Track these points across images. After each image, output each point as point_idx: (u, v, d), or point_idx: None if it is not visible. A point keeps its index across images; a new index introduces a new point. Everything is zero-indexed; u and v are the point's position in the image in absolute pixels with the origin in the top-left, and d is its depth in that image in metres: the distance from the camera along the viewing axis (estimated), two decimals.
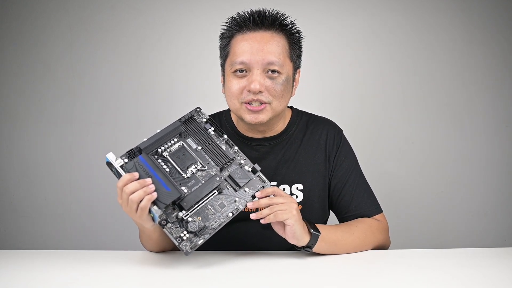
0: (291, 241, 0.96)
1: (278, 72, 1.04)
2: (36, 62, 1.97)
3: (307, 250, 0.99)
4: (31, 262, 0.98)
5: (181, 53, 1.94)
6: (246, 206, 0.95)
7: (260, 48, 1.03)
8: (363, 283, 0.84)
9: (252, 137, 1.15)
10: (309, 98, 1.87)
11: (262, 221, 0.93)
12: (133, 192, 0.87)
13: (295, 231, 0.94)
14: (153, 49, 1.95)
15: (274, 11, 1.07)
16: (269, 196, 0.95)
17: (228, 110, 1.22)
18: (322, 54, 1.92)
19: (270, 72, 1.04)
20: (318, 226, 1.00)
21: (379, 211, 1.14)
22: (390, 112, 1.93)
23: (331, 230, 1.02)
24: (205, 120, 1.03)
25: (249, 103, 1.05)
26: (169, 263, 0.97)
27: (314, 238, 0.97)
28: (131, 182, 0.88)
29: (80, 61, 1.96)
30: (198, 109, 1.04)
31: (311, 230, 0.97)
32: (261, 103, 1.05)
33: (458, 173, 1.93)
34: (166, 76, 1.95)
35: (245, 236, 1.12)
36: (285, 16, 1.09)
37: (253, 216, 0.93)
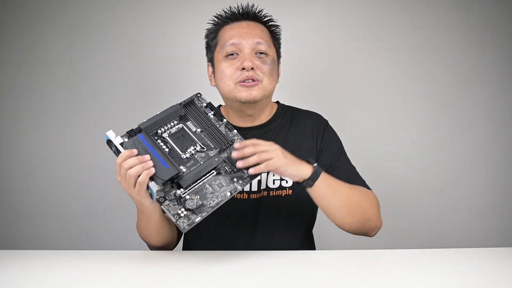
0: (292, 179, 0.99)
1: (265, 53, 1.15)
2: (36, 62, 1.97)
3: (308, 184, 0.99)
4: (31, 262, 0.98)
5: (182, 52, 1.94)
6: (238, 189, 0.95)
7: (248, 32, 1.16)
8: (362, 283, 0.84)
9: (241, 127, 1.21)
10: (308, 98, 1.87)
11: (251, 171, 0.93)
12: (131, 168, 0.89)
13: (286, 170, 0.96)
14: (153, 48, 1.95)
15: (251, 6, 1.20)
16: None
17: (219, 107, 1.29)
18: (322, 53, 1.92)
19: (258, 53, 1.15)
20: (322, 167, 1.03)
21: (369, 189, 1.17)
22: (390, 112, 1.93)
23: (333, 177, 1.04)
24: (205, 104, 1.06)
25: (243, 81, 1.13)
26: (169, 263, 0.97)
27: (316, 173, 0.98)
28: (130, 158, 0.90)
29: (80, 61, 1.96)
30: (198, 95, 1.07)
31: (314, 164, 0.99)
32: (253, 80, 1.13)
33: (458, 173, 1.93)
34: (167, 75, 1.95)
35: (238, 223, 1.16)
36: (262, 11, 1.21)
37: (239, 164, 0.93)
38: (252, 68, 1.12)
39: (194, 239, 1.22)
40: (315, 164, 1.00)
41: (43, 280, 0.87)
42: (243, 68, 1.12)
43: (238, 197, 1.15)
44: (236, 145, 0.95)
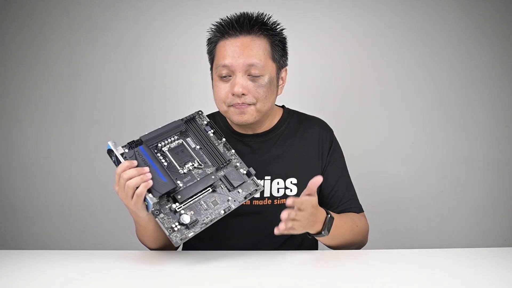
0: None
1: (258, 74, 1.08)
2: (36, 62, 1.97)
3: (314, 237, 1.03)
4: (31, 262, 0.98)
5: (182, 52, 1.94)
6: (241, 202, 0.98)
7: (240, 52, 1.07)
8: (362, 283, 0.84)
9: (244, 133, 1.20)
10: (307, 97, 1.87)
11: (277, 231, 0.93)
12: (130, 179, 0.89)
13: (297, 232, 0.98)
14: (153, 48, 1.95)
15: (256, 14, 1.11)
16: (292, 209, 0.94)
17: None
18: (321, 53, 1.92)
19: (252, 76, 1.08)
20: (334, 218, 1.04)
21: (362, 210, 1.21)
22: (390, 112, 1.93)
23: (338, 226, 1.06)
24: (205, 122, 1.07)
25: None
26: (169, 263, 0.97)
27: (318, 235, 1.02)
28: (129, 168, 0.90)
29: (80, 61, 1.96)
30: (200, 113, 1.09)
31: (323, 232, 1.01)
32: (246, 104, 1.09)
33: (458, 173, 1.93)
34: (166, 75, 1.95)
35: (240, 231, 1.16)
36: (267, 18, 1.12)
37: (277, 231, 0.93)
38: (244, 93, 1.07)
39: (195, 243, 1.21)
40: (323, 232, 1.01)
41: (43, 280, 0.87)
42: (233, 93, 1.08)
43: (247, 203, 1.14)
44: (289, 202, 0.93)
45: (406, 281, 0.84)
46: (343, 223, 1.09)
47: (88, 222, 1.99)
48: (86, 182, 1.98)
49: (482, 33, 1.90)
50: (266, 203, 1.16)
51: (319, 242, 1.30)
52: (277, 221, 1.16)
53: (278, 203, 1.16)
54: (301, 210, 0.94)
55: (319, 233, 1.01)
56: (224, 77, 1.09)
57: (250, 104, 1.09)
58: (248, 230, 1.16)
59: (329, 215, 1.02)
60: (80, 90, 1.97)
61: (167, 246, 1.10)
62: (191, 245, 1.24)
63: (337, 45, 1.92)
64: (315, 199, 0.96)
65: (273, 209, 1.15)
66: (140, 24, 1.95)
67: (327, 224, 1.01)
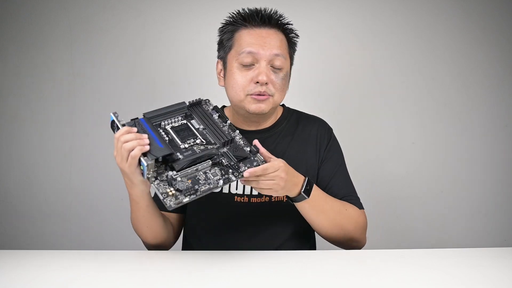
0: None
1: (280, 66, 1.11)
2: (36, 62, 1.97)
3: (290, 201, 1.04)
4: (31, 262, 0.98)
5: (182, 52, 1.94)
6: (238, 178, 0.95)
7: (267, 42, 1.09)
8: (362, 283, 0.84)
9: (245, 130, 1.20)
10: (308, 97, 1.87)
11: (246, 174, 0.92)
12: (127, 142, 0.90)
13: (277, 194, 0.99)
14: (153, 48, 1.95)
15: (274, 11, 1.13)
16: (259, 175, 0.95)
17: (222, 107, 1.27)
18: (321, 53, 1.92)
19: (274, 67, 1.10)
20: (314, 189, 1.05)
21: (362, 207, 1.18)
22: (390, 112, 1.93)
23: (322, 199, 1.07)
24: (211, 107, 1.05)
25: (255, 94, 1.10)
26: (169, 263, 0.97)
27: (300, 198, 1.02)
28: (128, 133, 0.91)
29: (80, 61, 1.96)
30: (206, 101, 1.07)
31: (302, 192, 1.01)
32: (265, 94, 1.10)
33: (458, 173, 1.93)
34: (166, 75, 1.95)
35: (237, 228, 1.16)
36: (283, 17, 1.15)
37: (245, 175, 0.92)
38: (266, 83, 1.09)
39: (194, 242, 1.21)
40: (302, 190, 1.02)
41: (43, 280, 0.87)
42: (257, 82, 1.08)
43: (238, 200, 1.15)
44: (245, 173, 0.93)
45: (406, 281, 0.84)
46: (329, 199, 1.09)
47: (88, 222, 1.99)
48: (86, 182, 1.98)
49: (482, 33, 1.90)
50: (263, 200, 1.16)
51: (318, 243, 1.31)
52: (275, 218, 1.17)
53: (277, 199, 1.16)
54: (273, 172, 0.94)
55: (298, 195, 1.02)
56: (247, 65, 1.09)
57: (270, 95, 1.10)
58: (247, 225, 1.16)
59: (307, 178, 1.03)
60: (80, 90, 1.97)
61: (160, 237, 1.09)
62: (190, 244, 1.24)
63: (337, 45, 1.93)
64: (278, 160, 0.97)
65: (271, 205, 1.16)
66: (140, 24, 1.95)
67: (306, 186, 1.02)
